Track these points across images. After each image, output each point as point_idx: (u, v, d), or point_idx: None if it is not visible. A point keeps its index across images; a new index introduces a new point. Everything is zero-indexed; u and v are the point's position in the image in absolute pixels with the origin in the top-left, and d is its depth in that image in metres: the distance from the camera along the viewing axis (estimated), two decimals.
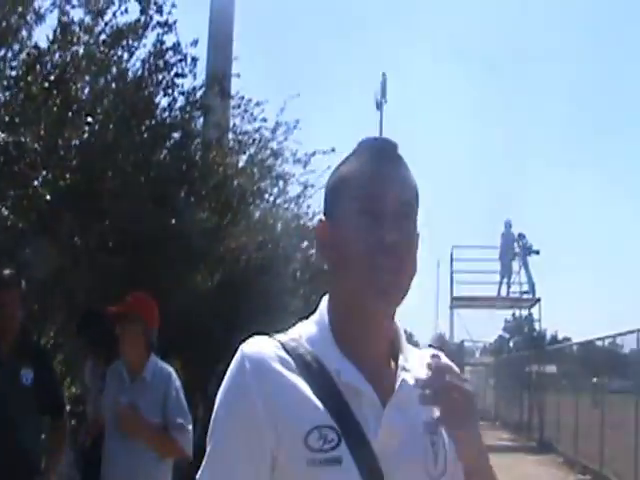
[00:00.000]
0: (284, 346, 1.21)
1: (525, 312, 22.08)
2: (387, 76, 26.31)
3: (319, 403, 1.15)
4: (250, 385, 1.17)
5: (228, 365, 1.21)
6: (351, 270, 1.20)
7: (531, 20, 61.22)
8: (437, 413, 1.14)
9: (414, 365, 1.26)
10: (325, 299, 1.29)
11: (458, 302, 20.78)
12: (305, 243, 10.47)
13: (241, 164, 7.98)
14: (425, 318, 64.24)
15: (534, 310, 20.79)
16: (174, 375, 3.94)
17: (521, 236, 20.10)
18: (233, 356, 1.19)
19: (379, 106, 25.80)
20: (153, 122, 5.61)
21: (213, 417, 1.22)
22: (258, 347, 1.21)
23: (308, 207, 9.59)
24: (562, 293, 52.31)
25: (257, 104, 7.96)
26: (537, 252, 19.94)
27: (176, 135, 6.12)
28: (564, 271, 55.52)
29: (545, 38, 65.05)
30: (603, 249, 64.79)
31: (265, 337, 1.24)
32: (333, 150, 8.45)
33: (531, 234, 20.67)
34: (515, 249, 19.93)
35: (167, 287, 4.94)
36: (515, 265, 20.08)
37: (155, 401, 3.80)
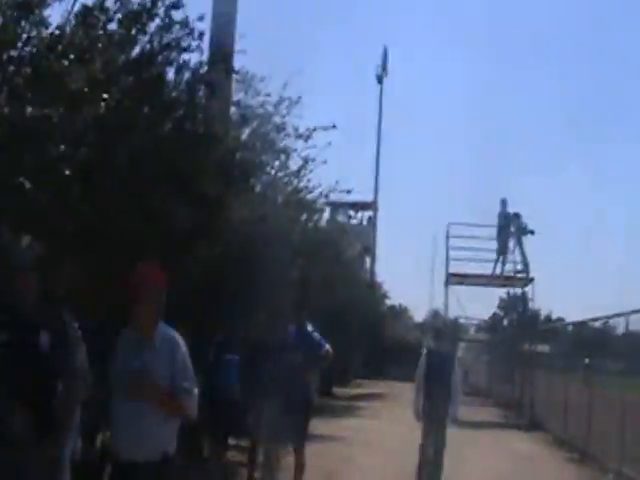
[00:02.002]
0: None
1: (519, 291, 22.52)
2: (388, 50, 26.35)
3: None
4: None
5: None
6: None
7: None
8: None
9: None
10: None
11: (453, 279, 21.12)
12: (304, 216, 10.79)
13: (244, 138, 8.20)
14: (420, 294, 64.77)
15: (528, 289, 21.22)
16: (181, 341, 4.21)
17: (516, 215, 20.48)
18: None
19: (380, 80, 25.88)
20: (162, 98, 5.86)
21: None
22: None
23: (308, 181, 9.88)
24: (558, 274, 52.69)
25: (261, 79, 8.21)
26: (532, 232, 20.33)
27: (180, 110, 6.35)
28: (560, 252, 55.79)
29: (553, 16, 64.52)
30: (599, 231, 64.99)
31: None
32: (334, 127, 8.76)
33: (527, 214, 20.95)
34: (510, 228, 20.29)
35: (172, 258, 5.23)
36: (511, 244, 20.44)
37: (164, 365, 4.07)
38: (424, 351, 9.05)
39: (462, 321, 27.53)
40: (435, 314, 24.16)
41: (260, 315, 8.94)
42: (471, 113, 61.88)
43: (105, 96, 4.96)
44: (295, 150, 9.11)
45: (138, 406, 4.00)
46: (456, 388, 8.60)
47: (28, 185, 3.37)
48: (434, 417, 8.47)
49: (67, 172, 4.55)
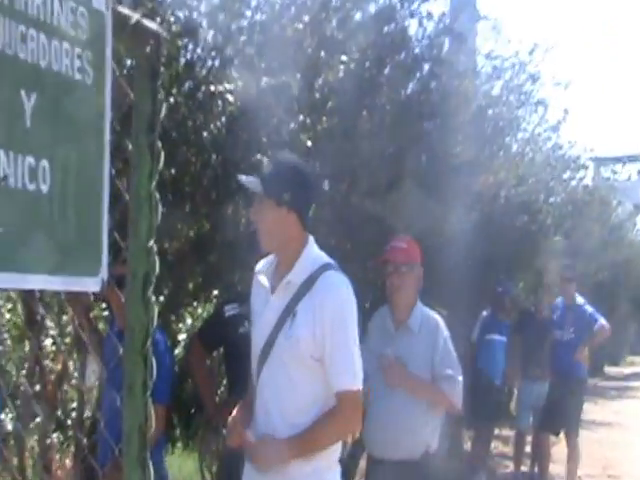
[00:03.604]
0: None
1: None
2: None
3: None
4: None
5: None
6: None
7: None
8: None
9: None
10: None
11: None
12: (567, 174, 10.06)
13: (496, 92, 7.77)
14: None
15: None
16: (442, 323, 3.93)
17: None
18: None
19: None
20: (403, 55, 5.59)
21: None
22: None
23: (569, 135, 9.16)
24: None
25: (510, 25, 7.68)
26: None
27: (426, 66, 6.06)
28: None
29: None
30: None
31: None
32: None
33: None
34: None
35: (419, 229, 4.96)
36: None
37: (423, 353, 3.81)
38: None
39: None
40: None
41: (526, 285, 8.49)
42: None
43: (343, 58, 4.77)
44: (552, 101, 8.46)
45: (394, 397, 3.77)
46: None
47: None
48: None
49: (308, 143, 4.40)
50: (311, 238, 2.75)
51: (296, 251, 2.70)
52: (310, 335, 2.59)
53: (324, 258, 2.74)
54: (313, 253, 2.72)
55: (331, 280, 2.65)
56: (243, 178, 2.75)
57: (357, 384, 2.63)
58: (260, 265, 2.86)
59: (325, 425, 2.60)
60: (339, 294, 2.64)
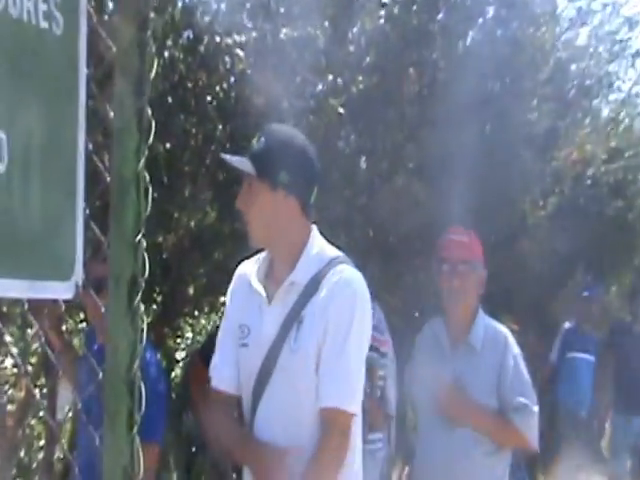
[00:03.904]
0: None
1: None
2: None
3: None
4: None
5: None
6: None
7: None
8: None
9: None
10: None
11: None
12: None
13: (581, 41, 7.72)
14: None
15: None
16: (511, 338, 3.92)
17: None
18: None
19: None
20: None
21: None
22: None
23: None
24: None
25: None
26: None
27: (491, 10, 6.06)
28: None
29: None
30: None
31: None
32: None
33: None
34: None
35: (480, 219, 4.95)
36: None
37: (487, 376, 3.81)
38: None
39: None
40: None
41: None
42: None
43: (385, 0, 4.81)
44: None
45: (452, 433, 3.77)
46: None
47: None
48: None
49: (340, 110, 4.42)
50: (315, 228, 2.78)
51: (298, 245, 2.74)
52: (320, 345, 2.64)
53: (333, 251, 2.77)
54: (319, 246, 2.75)
55: (341, 274, 2.68)
56: (227, 157, 2.80)
57: (352, 406, 2.65)
58: (245, 267, 2.88)
59: (317, 466, 2.64)
60: (348, 291, 2.67)
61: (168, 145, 4.27)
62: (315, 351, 2.63)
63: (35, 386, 5.28)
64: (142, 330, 1.72)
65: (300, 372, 2.65)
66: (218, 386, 2.86)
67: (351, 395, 2.65)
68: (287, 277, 2.71)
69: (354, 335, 2.65)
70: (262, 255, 2.84)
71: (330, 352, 2.62)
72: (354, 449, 2.75)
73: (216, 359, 2.90)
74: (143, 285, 1.72)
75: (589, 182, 7.48)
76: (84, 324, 5.06)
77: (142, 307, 1.72)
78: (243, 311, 2.80)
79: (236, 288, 2.87)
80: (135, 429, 1.70)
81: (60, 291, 1.63)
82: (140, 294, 1.71)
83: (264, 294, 2.75)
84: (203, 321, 6.97)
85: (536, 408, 3.82)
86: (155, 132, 1.75)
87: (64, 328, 4.64)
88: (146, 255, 1.73)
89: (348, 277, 2.69)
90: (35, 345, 5.61)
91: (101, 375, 1.73)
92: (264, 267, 2.81)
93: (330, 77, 4.70)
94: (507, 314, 5.62)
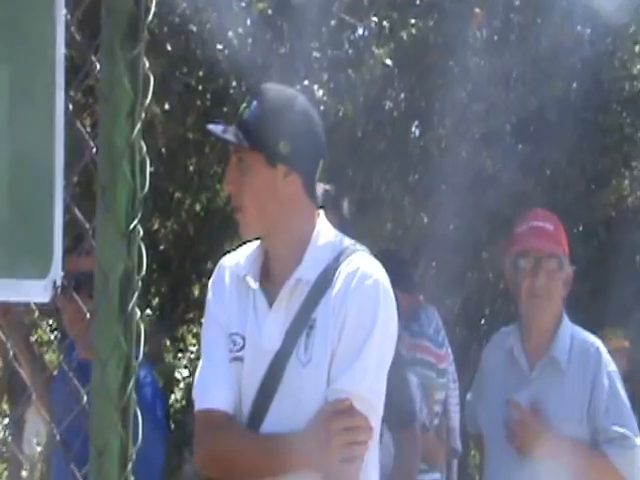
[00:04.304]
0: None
1: None
2: None
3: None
4: None
5: None
6: None
7: None
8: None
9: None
10: None
11: None
12: None
13: None
14: None
15: None
16: (604, 352, 3.92)
17: None
18: None
19: None
20: None
21: None
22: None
23: None
24: None
25: None
26: None
27: None
28: None
29: None
30: None
31: None
32: None
33: None
34: None
35: (568, 202, 4.97)
36: None
37: (575, 399, 3.82)
38: None
39: None
40: None
41: None
42: None
43: None
44: None
45: (530, 468, 3.80)
46: None
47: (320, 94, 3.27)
48: None
49: (387, 62, 4.44)
50: (322, 213, 2.79)
51: (302, 235, 2.75)
52: (334, 351, 2.66)
53: (345, 240, 2.78)
54: (327, 235, 2.76)
55: (359, 265, 2.69)
56: (212, 127, 2.78)
57: (368, 399, 2.65)
58: (232, 260, 2.87)
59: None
60: (369, 283, 2.67)
61: (167, 106, 4.29)
62: (330, 361, 2.64)
63: None
64: (137, 341, 1.72)
65: (311, 389, 2.66)
66: (211, 405, 2.78)
67: (368, 410, 2.64)
68: (291, 274, 2.71)
69: (376, 338, 2.64)
70: (252, 247, 2.82)
71: (343, 357, 2.63)
72: (369, 473, 2.75)
73: (204, 377, 2.83)
74: (140, 284, 1.71)
75: None
76: (59, 334, 5.08)
77: (138, 312, 1.72)
78: (234, 317, 2.79)
79: (222, 286, 2.84)
80: (129, 468, 1.70)
81: (33, 292, 1.63)
82: (136, 296, 1.71)
83: (263, 296, 2.75)
84: None
85: (638, 440, 3.82)
86: (152, 90, 1.74)
87: (33, 339, 4.66)
88: (143, 246, 1.73)
89: (367, 267, 2.69)
90: None
91: (85, 399, 1.73)
92: (259, 262, 2.80)
93: (374, 19, 4.70)
94: (614, 326, 5.55)
